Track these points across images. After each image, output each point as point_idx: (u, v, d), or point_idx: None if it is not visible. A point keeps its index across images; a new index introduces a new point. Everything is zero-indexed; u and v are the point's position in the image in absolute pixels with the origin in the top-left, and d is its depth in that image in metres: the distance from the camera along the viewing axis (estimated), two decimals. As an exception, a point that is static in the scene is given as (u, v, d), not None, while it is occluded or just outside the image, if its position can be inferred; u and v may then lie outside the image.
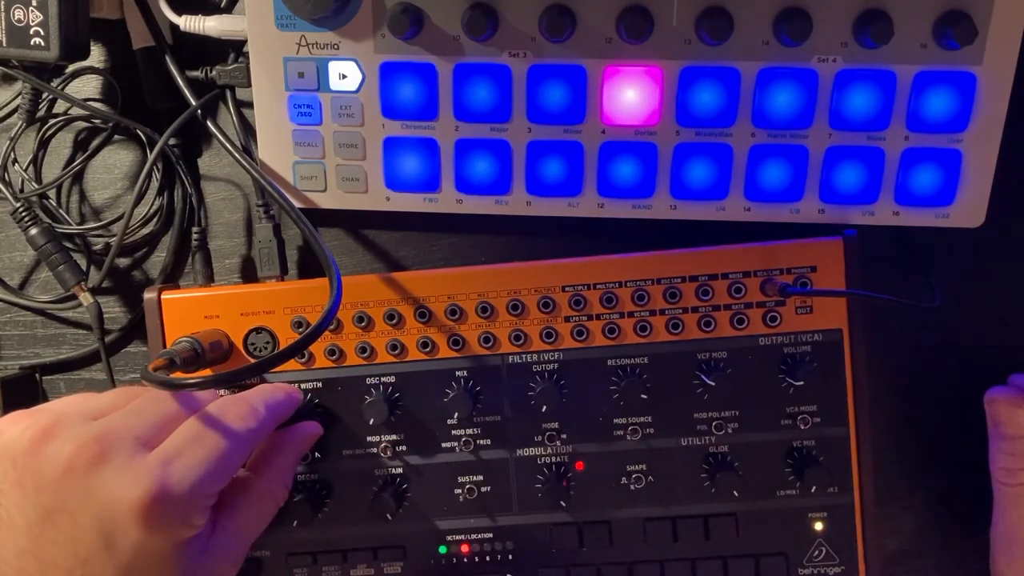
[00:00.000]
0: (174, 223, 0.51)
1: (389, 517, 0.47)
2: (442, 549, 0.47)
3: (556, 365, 0.46)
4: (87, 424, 0.36)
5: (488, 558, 0.47)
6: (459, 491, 0.47)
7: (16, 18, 0.44)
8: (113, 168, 0.52)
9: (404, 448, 0.47)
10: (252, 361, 0.46)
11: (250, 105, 0.48)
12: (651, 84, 0.44)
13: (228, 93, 0.49)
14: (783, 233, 0.46)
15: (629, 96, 0.44)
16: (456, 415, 0.46)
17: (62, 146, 0.52)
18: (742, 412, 0.46)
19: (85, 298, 0.48)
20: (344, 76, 0.46)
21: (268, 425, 0.42)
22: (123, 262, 0.52)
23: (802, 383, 0.45)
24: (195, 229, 0.50)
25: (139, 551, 0.35)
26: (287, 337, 0.46)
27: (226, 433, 0.38)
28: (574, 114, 0.45)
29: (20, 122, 0.48)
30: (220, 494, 0.39)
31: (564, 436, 0.46)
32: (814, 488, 0.46)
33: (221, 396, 0.42)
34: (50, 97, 0.50)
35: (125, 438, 0.36)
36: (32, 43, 0.44)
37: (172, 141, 0.49)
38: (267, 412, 0.41)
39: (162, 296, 0.47)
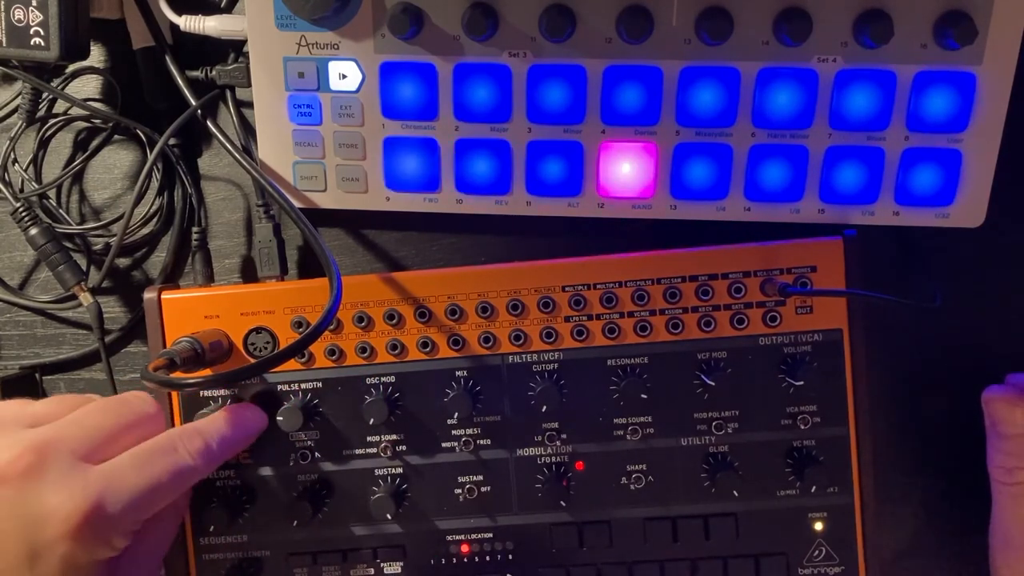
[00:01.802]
0: (174, 223, 0.51)
1: (389, 517, 0.47)
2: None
3: (556, 365, 0.46)
4: (24, 432, 0.36)
5: (488, 558, 0.47)
6: (459, 491, 0.47)
7: (16, 18, 0.44)
8: (113, 168, 0.52)
9: (404, 448, 0.47)
10: (252, 361, 0.46)
11: (250, 105, 0.48)
12: (652, 87, 0.44)
13: (228, 93, 0.49)
14: (783, 233, 0.46)
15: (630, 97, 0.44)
16: (456, 415, 0.46)
17: (62, 146, 0.52)
18: (742, 412, 0.46)
19: (85, 298, 0.48)
20: (344, 76, 0.46)
21: (218, 462, 0.42)
22: (123, 262, 0.52)
23: (802, 383, 0.45)
24: (195, 229, 0.50)
25: (62, 567, 0.34)
26: (287, 337, 0.46)
27: (173, 466, 0.38)
28: (574, 114, 0.45)
29: (20, 122, 0.48)
30: None
31: (564, 436, 0.46)
32: (814, 488, 0.46)
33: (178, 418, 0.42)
34: (50, 97, 0.50)
35: (62, 449, 0.35)
36: (32, 43, 0.44)
37: (172, 141, 0.49)
38: (219, 449, 0.41)
39: (162, 296, 0.47)
